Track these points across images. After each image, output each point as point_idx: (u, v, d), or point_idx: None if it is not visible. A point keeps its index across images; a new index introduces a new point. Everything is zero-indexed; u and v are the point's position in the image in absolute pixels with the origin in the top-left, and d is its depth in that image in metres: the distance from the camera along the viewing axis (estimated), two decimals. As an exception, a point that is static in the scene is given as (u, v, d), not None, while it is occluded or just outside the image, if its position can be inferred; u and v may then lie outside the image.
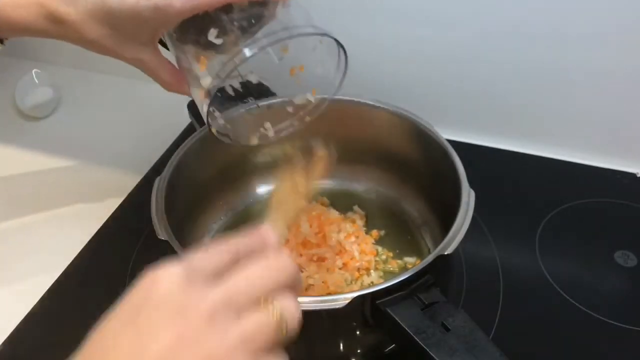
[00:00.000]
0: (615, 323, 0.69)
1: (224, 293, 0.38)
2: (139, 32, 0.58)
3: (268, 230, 0.45)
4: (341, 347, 0.59)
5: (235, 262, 0.41)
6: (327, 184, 0.84)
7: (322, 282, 0.70)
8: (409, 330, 0.50)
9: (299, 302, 0.42)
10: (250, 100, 0.81)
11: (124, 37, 0.59)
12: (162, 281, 0.38)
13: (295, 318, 0.41)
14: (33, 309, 0.71)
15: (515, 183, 0.88)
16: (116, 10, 0.56)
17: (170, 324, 0.36)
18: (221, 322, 0.37)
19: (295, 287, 0.43)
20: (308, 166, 0.64)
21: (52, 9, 0.58)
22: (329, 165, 0.69)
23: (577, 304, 0.71)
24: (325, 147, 0.66)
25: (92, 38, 0.59)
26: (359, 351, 0.60)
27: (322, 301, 0.53)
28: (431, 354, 0.48)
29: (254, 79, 0.69)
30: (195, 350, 0.35)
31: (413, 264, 0.74)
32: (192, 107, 0.79)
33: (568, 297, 0.72)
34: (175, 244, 0.58)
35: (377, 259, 0.75)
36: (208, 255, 0.41)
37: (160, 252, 0.59)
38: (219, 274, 0.39)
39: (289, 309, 0.40)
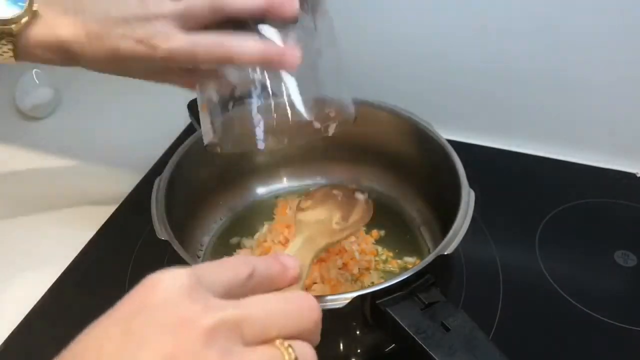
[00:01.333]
0: (615, 323, 0.68)
1: (233, 315, 0.34)
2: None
3: (292, 261, 0.41)
4: (341, 347, 0.59)
5: (248, 285, 0.37)
6: (326, 184, 0.84)
7: (322, 282, 0.70)
8: (408, 330, 0.49)
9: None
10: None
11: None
12: (164, 286, 0.34)
13: None
14: (33, 308, 0.71)
15: (515, 183, 0.88)
16: (129, 59, 0.55)
17: (164, 335, 0.32)
18: (222, 346, 0.32)
19: (316, 334, 0.38)
20: (348, 207, 0.63)
21: (73, 52, 0.57)
22: (368, 213, 0.69)
23: (577, 304, 0.71)
24: (365, 193, 0.67)
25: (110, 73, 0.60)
26: (359, 351, 0.60)
27: (322, 301, 0.52)
28: (431, 353, 0.48)
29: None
30: None
31: (413, 263, 0.74)
32: (192, 107, 0.79)
33: (568, 297, 0.71)
34: (175, 244, 0.58)
35: (377, 259, 0.75)
36: (221, 268, 0.37)
37: (160, 252, 0.59)
38: (230, 293, 0.36)
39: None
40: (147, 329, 0.32)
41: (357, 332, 0.58)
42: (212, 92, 0.56)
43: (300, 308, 0.37)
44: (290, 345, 0.35)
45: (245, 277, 0.37)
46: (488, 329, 0.67)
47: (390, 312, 0.51)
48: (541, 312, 0.70)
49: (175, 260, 0.56)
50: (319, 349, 0.59)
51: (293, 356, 0.34)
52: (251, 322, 0.34)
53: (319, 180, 0.85)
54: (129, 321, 0.33)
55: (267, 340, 0.34)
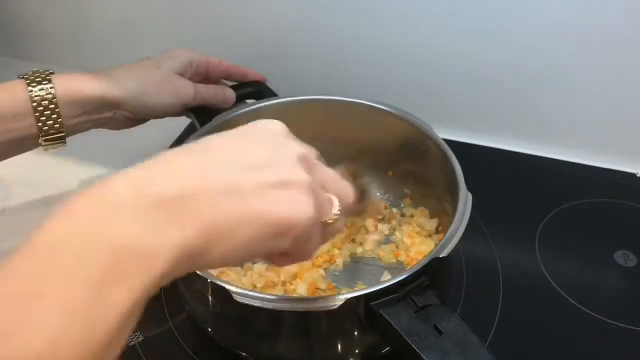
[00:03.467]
0: (615, 323, 0.68)
1: (314, 158, 0.47)
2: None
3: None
4: (336, 348, 0.59)
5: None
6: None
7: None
8: (401, 333, 0.50)
9: None
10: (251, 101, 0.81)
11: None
12: (273, 123, 0.47)
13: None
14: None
15: (515, 183, 0.88)
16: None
17: (268, 146, 0.44)
18: (308, 163, 0.45)
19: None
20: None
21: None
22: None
23: (577, 304, 0.71)
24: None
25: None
26: (355, 351, 0.61)
27: (316, 302, 0.53)
28: (423, 356, 0.48)
29: None
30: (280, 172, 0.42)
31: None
32: (196, 109, 0.79)
33: (568, 297, 0.71)
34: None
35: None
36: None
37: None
38: None
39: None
40: (260, 137, 0.45)
41: (352, 334, 0.58)
42: None
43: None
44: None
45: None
46: (488, 328, 0.67)
47: (384, 314, 0.51)
48: (541, 312, 0.70)
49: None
50: (314, 349, 0.60)
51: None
52: (323, 169, 0.48)
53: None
54: (246, 131, 0.46)
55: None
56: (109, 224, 0.35)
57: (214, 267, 0.41)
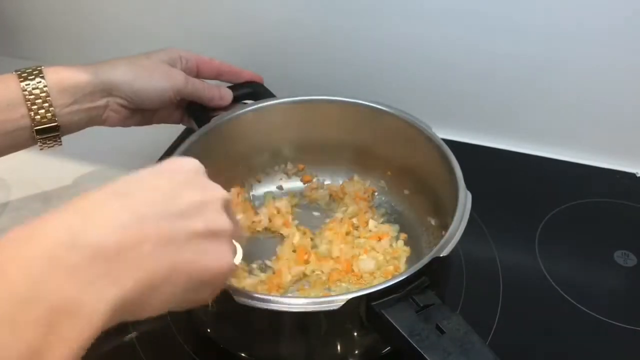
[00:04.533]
0: (615, 323, 0.69)
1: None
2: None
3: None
4: (337, 349, 0.59)
5: None
6: (323, 184, 0.84)
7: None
8: (403, 333, 0.50)
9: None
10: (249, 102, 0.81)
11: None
12: (190, 162, 0.47)
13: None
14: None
15: (515, 183, 0.88)
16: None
17: (196, 190, 0.44)
18: (227, 208, 0.46)
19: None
20: None
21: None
22: None
23: (577, 304, 0.71)
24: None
25: None
26: (355, 353, 0.60)
27: (317, 302, 0.53)
28: (425, 356, 0.48)
29: None
30: (203, 218, 0.43)
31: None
32: (191, 108, 0.79)
33: (568, 297, 0.71)
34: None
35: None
36: None
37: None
38: None
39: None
40: (184, 179, 0.44)
41: (353, 334, 0.58)
42: None
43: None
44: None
45: None
46: (488, 328, 0.67)
47: (385, 314, 0.51)
48: (541, 312, 0.71)
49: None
50: (315, 350, 0.60)
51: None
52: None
53: (318, 180, 0.85)
54: (169, 171, 0.45)
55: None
56: (42, 283, 0.34)
57: (144, 317, 0.39)
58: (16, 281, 0.33)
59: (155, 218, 0.40)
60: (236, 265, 0.47)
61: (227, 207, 0.46)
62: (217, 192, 0.46)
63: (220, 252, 0.44)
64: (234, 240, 0.47)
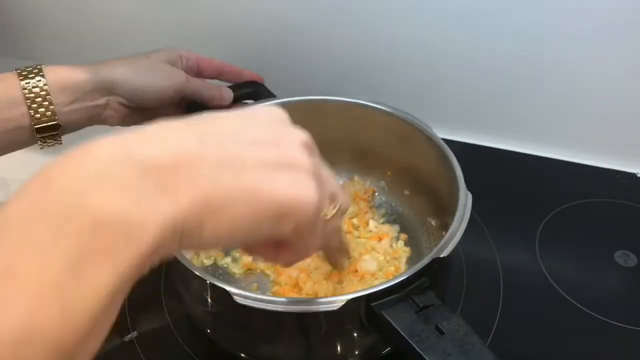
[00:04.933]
0: (615, 323, 0.69)
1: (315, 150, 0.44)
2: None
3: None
4: (337, 349, 0.59)
5: None
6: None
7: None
8: (402, 333, 0.50)
9: None
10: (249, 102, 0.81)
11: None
12: (271, 107, 0.44)
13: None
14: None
15: (515, 183, 0.88)
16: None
17: (270, 131, 0.41)
18: (311, 153, 0.42)
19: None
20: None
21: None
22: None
23: (577, 304, 0.71)
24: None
25: None
26: (356, 353, 0.60)
27: (317, 303, 0.53)
28: (425, 357, 0.48)
29: None
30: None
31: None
32: (191, 108, 0.79)
33: (568, 297, 0.72)
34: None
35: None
36: None
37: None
38: None
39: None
40: (262, 120, 0.42)
41: (353, 335, 0.58)
42: None
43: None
44: None
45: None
46: (488, 329, 0.67)
47: (385, 315, 0.51)
48: (541, 312, 0.71)
49: (175, 259, 0.56)
50: (315, 351, 0.60)
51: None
52: (323, 164, 0.45)
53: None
54: (251, 110, 0.44)
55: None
56: (88, 194, 0.32)
57: (206, 247, 0.38)
58: (63, 192, 0.32)
59: (220, 140, 0.38)
60: (331, 208, 0.44)
61: (310, 149, 0.42)
62: (296, 133, 0.42)
63: (299, 184, 0.39)
64: (335, 189, 0.45)
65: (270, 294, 0.70)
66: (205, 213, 0.35)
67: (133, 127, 0.37)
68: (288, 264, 0.47)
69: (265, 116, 0.43)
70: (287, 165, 0.39)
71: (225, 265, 0.74)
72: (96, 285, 0.31)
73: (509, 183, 0.88)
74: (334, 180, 0.46)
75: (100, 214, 0.31)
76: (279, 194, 0.38)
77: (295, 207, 0.39)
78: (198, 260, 0.73)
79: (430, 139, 0.71)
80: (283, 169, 0.39)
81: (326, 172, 0.45)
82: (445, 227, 0.64)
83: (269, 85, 0.83)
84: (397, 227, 0.78)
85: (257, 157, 0.38)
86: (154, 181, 0.33)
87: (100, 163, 0.33)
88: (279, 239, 0.42)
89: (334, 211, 0.44)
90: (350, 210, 0.80)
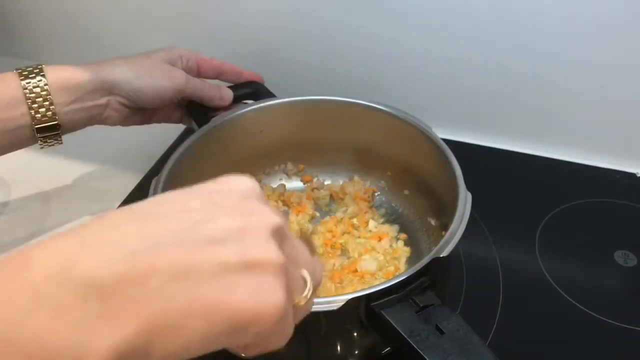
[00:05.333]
0: (615, 323, 0.68)
1: (286, 227, 0.38)
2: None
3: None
4: (337, 349, 0.59)
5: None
6: (324, 184, 0.84)
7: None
8: (402, 333, 0.50)
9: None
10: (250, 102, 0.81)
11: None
12: (242, 181, 0.39)
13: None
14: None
15: (515, 183, 0.88)
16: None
17: (237, 212, 0.35)
18: (280, 237, 0.37)
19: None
20: None
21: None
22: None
23: (577, 304, 0.71)
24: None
25: None
26: (356, 352, 0.60)
27: (317, 303, 0.52)
28: (425, 357, 0.48)
29: None
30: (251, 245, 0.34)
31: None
32: (191, 107, 0.79)
33: (568, 297, 0.71)
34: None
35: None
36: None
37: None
38: None
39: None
40: (226, 202, 0.36)
41: (353, 335, 0.58)
42: None
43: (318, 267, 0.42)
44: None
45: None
46: (488, 328, 0.67)
47: (385, 315, 0.51)
48: (541, 312, 0.70)
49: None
50: (315, 351, 0.60)
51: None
52: (294, 241, 0.39)
53: (318, 180, 0.85)
54: (209, 191, 0.37)
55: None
56: (22, 325, 0.28)
57: None
58: None
59: (173, 246, 0.32)
60: (303, 295, 0.38)
61: (281, 235, 0.37)
62: (265, 217, 0.36)
63: (261, 290, 0.34)
64: (305, 272, 0.39)
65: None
66: (154, 337, 0.31)
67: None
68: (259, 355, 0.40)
69: (230, 196, 0.37)
70: (250, 266, 0.34)
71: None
72: None
73: (508, 183, 0.88)
74: (307, 254, 0.41)
75: (34, 347, 0.28)
76: (237, 306, 0.33)
77: (256, 317, 0.34)
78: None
79: (430, 139, 0.71)
80: (245, 272, 0.34)
81: (298, 249, 0.40)
82: (445, 227, 0.64)
83: (269, 85, 0.83)
84: (396, 227, 0.78)
85: (215, 261, 0.33)
86: (96, 304, 0.30)
87: (35, 283, 0.29)
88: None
89: (308, 294, 0.39)
90: (350, 210, 0.80)
